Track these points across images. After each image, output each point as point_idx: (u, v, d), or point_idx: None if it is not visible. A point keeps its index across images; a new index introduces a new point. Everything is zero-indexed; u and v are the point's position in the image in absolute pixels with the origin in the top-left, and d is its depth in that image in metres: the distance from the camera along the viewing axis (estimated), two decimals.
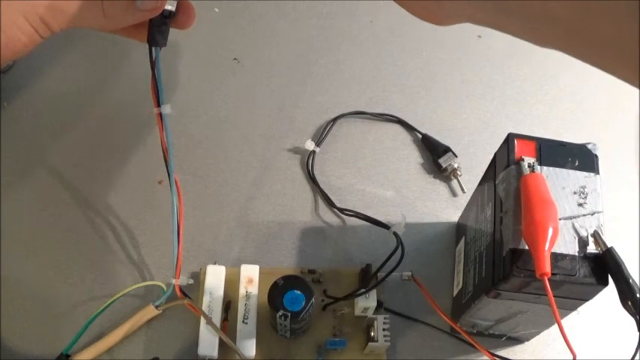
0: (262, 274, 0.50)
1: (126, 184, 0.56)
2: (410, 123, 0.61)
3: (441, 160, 0.58)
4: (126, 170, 0.57)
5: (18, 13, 0.35)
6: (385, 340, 0.47)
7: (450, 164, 0.58)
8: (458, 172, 0.58)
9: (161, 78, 0.43)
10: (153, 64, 0.43)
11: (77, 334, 0.47)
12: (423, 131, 0.60)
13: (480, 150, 0.60)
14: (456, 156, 0.58)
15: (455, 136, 0.61)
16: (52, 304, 0.50)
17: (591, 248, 0.39)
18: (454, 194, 0.58)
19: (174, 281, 0.49)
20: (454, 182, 0.58)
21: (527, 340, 0.50)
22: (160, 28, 0.42)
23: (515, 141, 0.43)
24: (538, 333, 0.49)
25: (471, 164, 0.59)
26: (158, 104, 0.44)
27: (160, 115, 0.44)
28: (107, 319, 0.49)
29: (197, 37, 0.66)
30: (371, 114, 0.61)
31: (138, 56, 0.64)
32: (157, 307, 0.49)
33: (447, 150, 0.58)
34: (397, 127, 0.61)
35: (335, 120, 0.60)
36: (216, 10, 0.68)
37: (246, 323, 0.47)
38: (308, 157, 0.58)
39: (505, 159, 0.43)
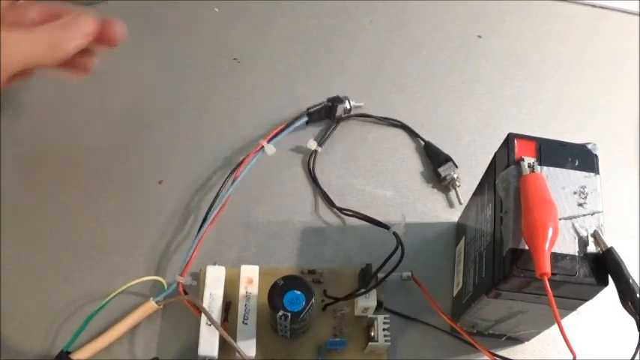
0: (262, 274, 0.50)
1: (126, 184, 0.56)
2: (413, 129, 0.61)
3: (440, 170, 0.58)
4: (126, 170, 0.57)
5: None
6: (385, 340, 0.47)
7: (449, 174, 0.57)
8: (457, 183, 0.57)
9: None
10: None
11: (77, 331, 0.47)
12: (427, 138, 0.60)
13: (480, 150, 0.60)
14: (457, 167, 0.58)
15: (455, 136, 0.61)
16: (52, 304, 0.50)
17: (591, 248, 0.39)
18: (451, 205, 0.57)
19: (178, 278, 0.49)
20: (452, 193, 0.58)
21: (527, 340, 0.50)
22: None
23: (515, 141, 0.43)
24: (538, 333, 0.49)
25: (471, 165, 0.59)
26: None
27: None
28: (107, 316, 0.49)
29: (197, 37, 0.66)
30: (376, 117, 0.61)
31: (139, 57, 0.64)
32: (157, 302, 0.49)
33: (447, 159, 0.58)
34: (400, 132, 0.61)
35: (339, 121, 0.60)
36: (216, 10, 0.68)
37: (246, 324, 0.47)
38: (309, 157, 0.58)
39: (505, 159, 0.43)
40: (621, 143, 0.62)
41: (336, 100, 0.59)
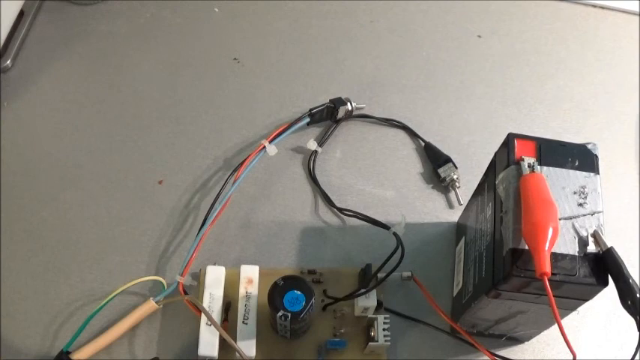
0: (262, 274, 0.50)
1: (126, 184, 0.56)
2: (413, 129, 0.61)
3: (440, 170, 0.58)
4: (126, 170, 0.57)
5: None
6: (385, 340, 0.47)
7: (449, 175, 0.57)
8: (456, 184, 0.57)
9: None
10: None
11: (77, 331, 0.47)
12: (427, 138, 0.60)
13: (480, 150, 0.60)
14: (457, 167, 0.58)
15: (455, 136, 0.61)
16: (52, 304, 0.50)
17: (591, 248, 0.39)
18: (451, 206, 0.57)
19: (178, 278, 0.49)
20: (452, 193, 0.58)
21: (527, 340, 0.50)
22: None
23: (515, 141, 0.43)
24: (538, 333, 0.49)
25: (471, 165, 0.59)
26: None
27: None
28: (107, 316, 0.49)
29: (197, 37, 0.66)
30: (376, 118, 0.61)
31: (139, 57, 0.64)
32: (157, 302, 0.49)
33: (447, 160, 0.58)
34: (400, 133, 0.61)
35: (339, 122, 0.60)
36: (216, 10, 0.68)
37: (246, 324, 0.47)
38: (310, 157, 0.58)
39: (505, 159, 0.43)
40: (621, 143, 0.62)
41: (338, 102, 0.59)
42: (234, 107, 0.61)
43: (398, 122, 0.61)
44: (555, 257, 0.38)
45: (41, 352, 0.48)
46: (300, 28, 0.67)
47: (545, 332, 0.48)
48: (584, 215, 0.40)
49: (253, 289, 0.49)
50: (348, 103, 0.60)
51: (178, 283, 0.49)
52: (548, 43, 0.68)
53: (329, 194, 0.57)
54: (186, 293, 0.50)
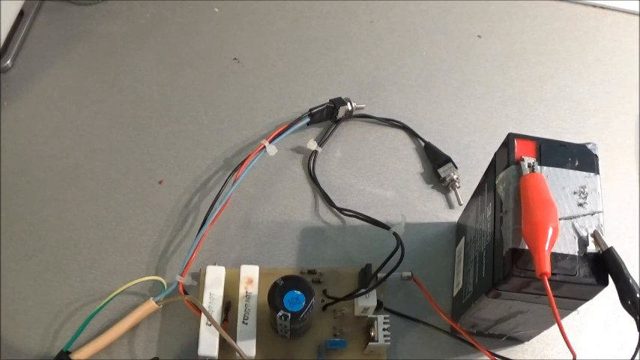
0: (262, 274, 0.50)
1: (126, 184, 0.56)
2: (413, 129, 0.61)
3: (440, 170, 0.58)
4: (126, 170, 0.57)
5: None
6: (385, 340, 0.47)
7: (448, 175, 0.57)
8: (456, 184, 0.57)
9: None
10: None
11: (77, 331, 0.47)
12: (427, 138, 0.60)
13: (480, 150, 0.60)
14: (457, 167, 0.58)
15: (455, 136, 0.61)
16: (52, 304, 0.50)
17: (591, 248, 0.39)
18: (451, 206, 0.57)
19: (178, 278, 0.49)
20: (452, 193, 0.58)
21: (527, 340, 0.50)
22: None
23: (515, 141, 0.43)
24: (538, 333, 0.49)
25: (471, 165, 0.59)
26: None
27: None
28: (107, 316, 0.49)
29: (197, 37, 0.66)
30: (376, 118, 0.61)
31: (139, 57, 0.64)
32: (157, 302, 0.49)
33: (447, 160, 0.58)
34: (400, 133, 0.61)
35: (339, 122, 0.60)
36: (216, 10, 0.68)
37: (246, 324, 0.47)
38: (310, 157, 0.58)
39: (505, 159, 0.43)
40: (621, 143, 0.62)
41: (338, 102, 0.59)
42: (234, 107, 0.61)
43: (398, 122, 0.61)
44: (555, 257, 0.38)
45: (41, 352, 0.48)
46: (300, 28, 0.67)
47: (545, 332, 0.48)
48: (584, 215, 0.40)
49: (253, 289, 0.49)
50: (348, 103, 0.60)
51: (178, 283, 0.49)
52: (548, 43, 0.68)
53: (329, 194, 0.57)
54: (186, 293, 0.50)
